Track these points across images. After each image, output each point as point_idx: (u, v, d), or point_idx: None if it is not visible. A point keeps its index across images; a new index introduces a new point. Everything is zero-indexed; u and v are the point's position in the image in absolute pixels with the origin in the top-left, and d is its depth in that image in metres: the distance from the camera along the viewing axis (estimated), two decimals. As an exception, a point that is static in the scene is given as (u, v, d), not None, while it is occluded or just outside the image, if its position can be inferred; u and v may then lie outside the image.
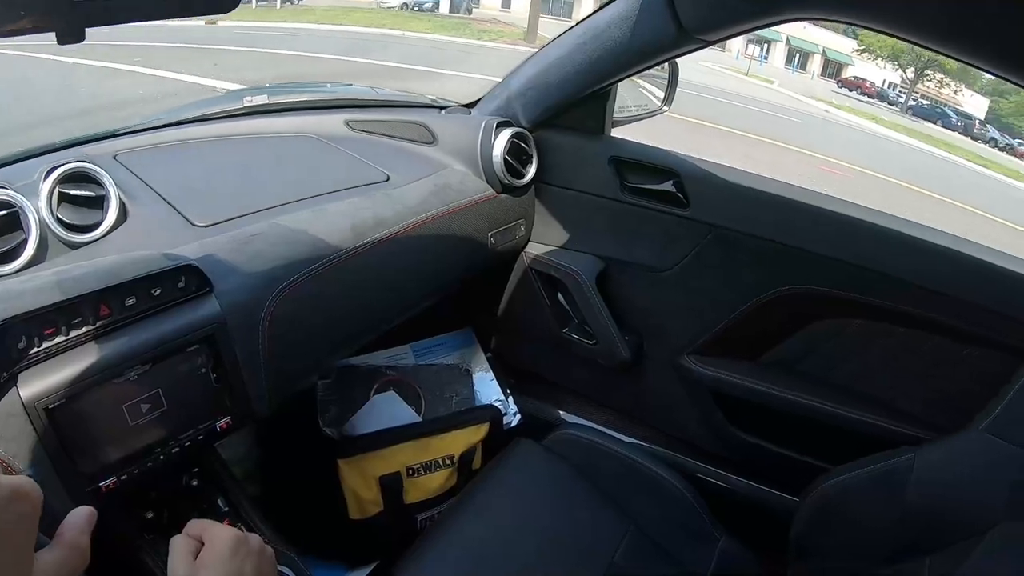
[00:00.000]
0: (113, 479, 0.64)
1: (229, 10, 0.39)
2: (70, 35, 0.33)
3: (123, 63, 5.91)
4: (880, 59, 26.68)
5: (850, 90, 26.48)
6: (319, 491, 1.09)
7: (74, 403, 0.60)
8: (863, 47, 27.48)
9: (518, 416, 1.21)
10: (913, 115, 23.38)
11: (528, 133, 1.14)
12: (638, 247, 1.16)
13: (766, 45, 31.09)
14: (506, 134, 1.10)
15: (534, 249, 1.22)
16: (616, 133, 1.20)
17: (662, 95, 1.27)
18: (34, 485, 0.33)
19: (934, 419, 1.01)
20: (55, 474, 0.60)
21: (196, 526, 0.52)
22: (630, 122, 1.24)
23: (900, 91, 27.41)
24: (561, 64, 1.07)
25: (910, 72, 25.90)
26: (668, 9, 0.87)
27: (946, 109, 24.31)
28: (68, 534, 0.37)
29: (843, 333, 1.08)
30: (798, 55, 32.46)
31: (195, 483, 0.80)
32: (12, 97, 4.63)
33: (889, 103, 24.18)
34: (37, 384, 0.58)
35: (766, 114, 11.78)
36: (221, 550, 0.49)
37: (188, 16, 0.40)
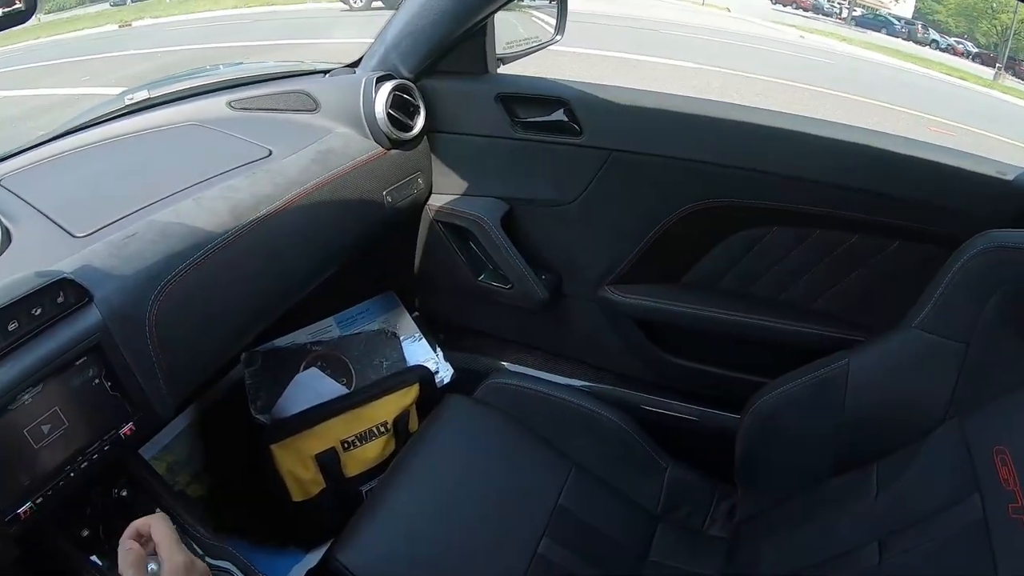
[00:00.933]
0: (29, 505, 0.62)
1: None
2: None
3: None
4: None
5: (784, 5, 25.91)
6: (260, 480, 1.07)
7: None
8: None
9: (451, 372, 1.20)
10: (858, 26, 23.20)
11: (411, 84, 1.10)
12: (538, 183, 1.13)
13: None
14: (387, 88, 1.05)
15: (437, 201, 1.19)
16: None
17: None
18: None
19: (864, 319, 1.01)
20: None
21: (133, 530, 0.55)
22: (520, 57, 1.21)
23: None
24: (430, 5, 1.03)
25: (852, -19, 25.69)
26: None
27: (887, 16, 24.20)
28: None
29: (760, 243, 1.07)
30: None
31: (124, 493, 0.79)
32: None
33: (825, 15, 23.87)
34: None
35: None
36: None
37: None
